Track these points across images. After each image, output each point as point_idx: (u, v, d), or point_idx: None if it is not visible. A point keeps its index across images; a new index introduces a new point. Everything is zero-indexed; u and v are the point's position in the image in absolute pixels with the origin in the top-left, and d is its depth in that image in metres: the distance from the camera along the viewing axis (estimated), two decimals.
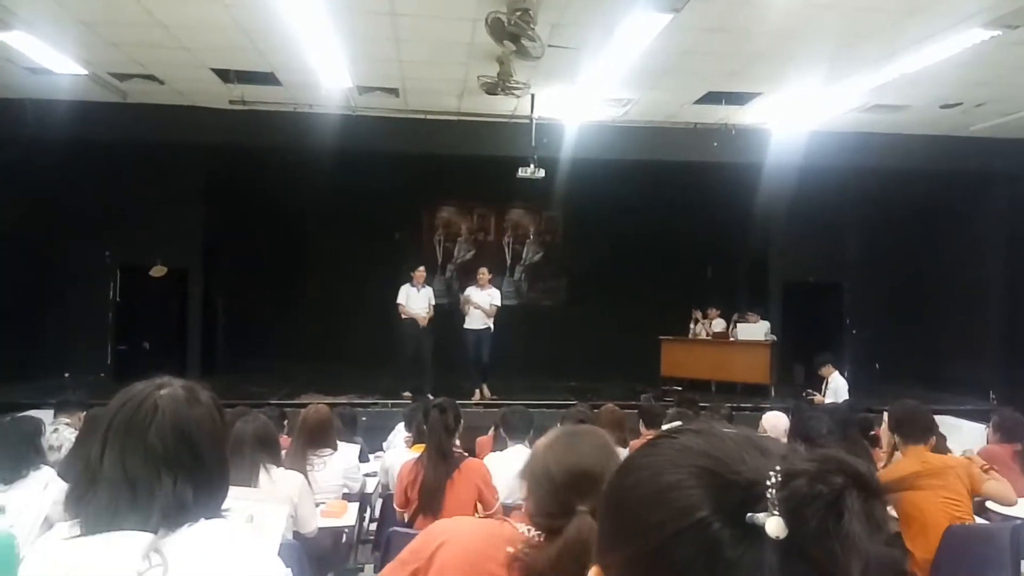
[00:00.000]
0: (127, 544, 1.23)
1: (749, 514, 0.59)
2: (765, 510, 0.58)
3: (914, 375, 11.00)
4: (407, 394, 9.03)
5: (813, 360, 9.09)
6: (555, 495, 1.52)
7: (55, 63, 7.29)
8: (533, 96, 8.26)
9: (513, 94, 7.50)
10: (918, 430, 4.00)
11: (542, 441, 1.67)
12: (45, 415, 5.31)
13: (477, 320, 9.53)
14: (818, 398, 8.37)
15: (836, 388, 8.26)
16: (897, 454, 4.46)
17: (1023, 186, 10.16)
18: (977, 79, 7.52)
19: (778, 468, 0.60)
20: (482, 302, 9.55)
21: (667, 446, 0.67)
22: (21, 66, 7.54)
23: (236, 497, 1.62)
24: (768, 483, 0.59)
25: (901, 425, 4.04)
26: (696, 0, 5.37)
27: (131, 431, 1.38)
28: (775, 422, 5.29)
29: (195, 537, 1.28)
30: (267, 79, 8.02)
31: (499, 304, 9.69)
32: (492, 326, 9.59)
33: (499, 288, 10.31)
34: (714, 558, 0.59)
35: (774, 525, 0.57)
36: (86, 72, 7.69)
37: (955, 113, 8.87)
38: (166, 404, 1.41)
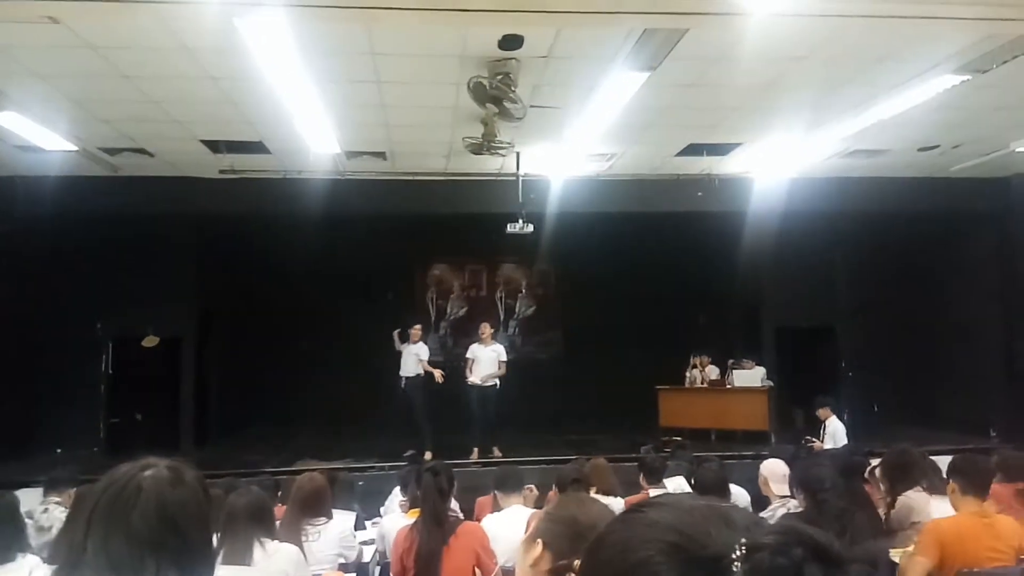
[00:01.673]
0: None
1: None
2: None
3: (913, 416, 10.96)
4: (409, 452, 8.94)
5: (811, 404, 9.06)
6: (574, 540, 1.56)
7: (45, 140, 7.40)
8: (518, 154, 8.40)
9: (498, 153, 7.63)
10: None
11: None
12: (37, 493, 5.23)
13: (483, 376, 9.46)
14: (817, 444, 8.30)
15: (834, 432, 8.21)
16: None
17: (1010, 224, 10.29)
18: (952, 122, 7.69)
19: (743, 541, 0.63)
20: (490, 360, 9.51)
21: (636, 522, 0.69)
22: (11, 144, 7.65)
23: None
24: (733, 556, 0.61)
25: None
26: (671, 59, 5.52)
27: (114, 514, 1.37)
28: (774, 468, 5.24)
29: None
30: (256, 148, 8.15)
31: (505, 359, 9.66)
32: (499, 383, 9.55)
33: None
34: None
35: None
36: (76, 148, 7.81)
37: (933, 155, 9.05)
38: (150, 486, 1.40)
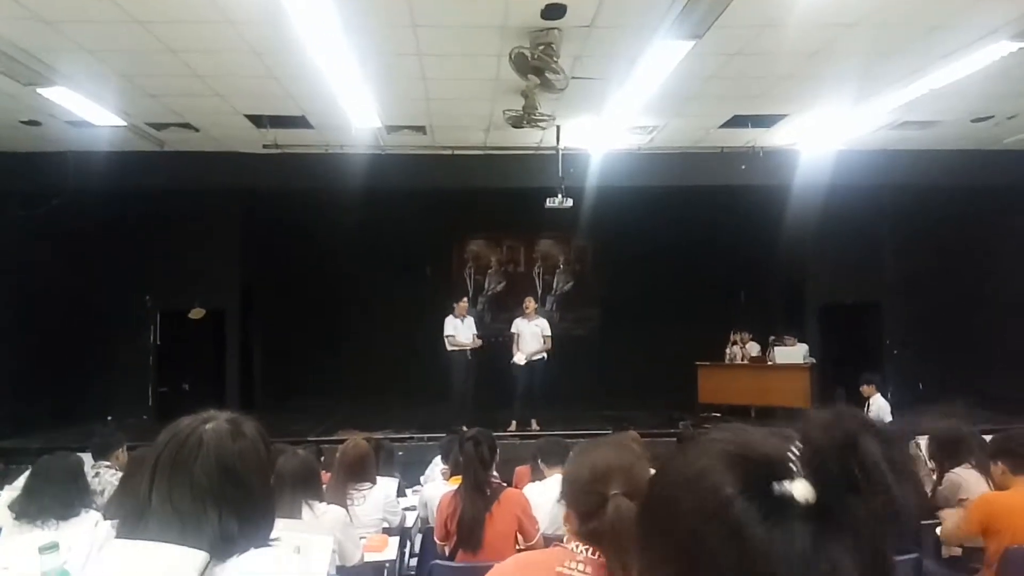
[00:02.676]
0: (183, 554, 1.26)
1: (775, 484, 0.62)
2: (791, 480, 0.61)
3: (959, 394, 10.66)
4: (463, 428, 9.07)
5: (855, 382, 8.92)
6: (586, 494, 1.61)
7: (95, 115, 7.56)
8: (559, 127, 8.34)
9: (539, 126, 7.58)
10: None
11: (569, 459, 1.77)
12: (85, 459, 5.42)
13: (529, 351, 9.52)
14: None
15: (878, 410, 8.09)
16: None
17: None
18: (1007, 91, 7.43)
19: (798, 443, 0.65)
20: (534, 335, 9.57)
21: (696, 443, 0.73)
22: (62, 120, 7.84)
23: (282, 529, 1.64)
24: (791, 456, 0.64)
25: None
26: (717, 27, 5.40)
27: (177, 466, 1.41)
28: None
29: (244, 566, 1.30)
30: (299, 123, 8.23)
31: (550, 334, 9.72)
32: (546, 356, 9.60)
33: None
34: (743, 540, 0.61)
35: (800, 488, 0.60)
36: (124, 123, 7.96)
37: (987, 126, 8.75)
38: (210, 439, 1.44)
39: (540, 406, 9.72)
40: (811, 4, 5.01)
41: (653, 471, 0.78)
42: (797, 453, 0.63)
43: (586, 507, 1.59)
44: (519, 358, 9.53)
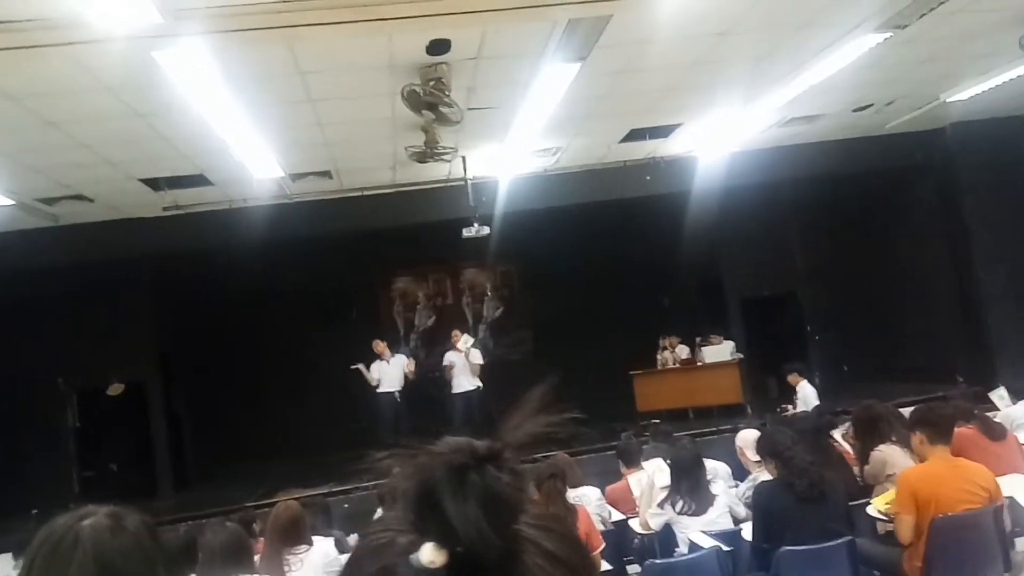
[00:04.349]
0: None
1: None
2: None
3: (881, 371, 11.17)
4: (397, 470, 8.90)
5: (783, 372, 9.19)
6: None
7: None
8: (464, 158, 8.38)
9: (443, 159, 7.61)
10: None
11: None
12: (6, 560, 5.09)
13: (465, 383, 9.53)
14: (790, 411, 8.42)
15: (805, 396, 8.35)
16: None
17: (950, 172, 10.52)
18: (881, 79, 7.84)
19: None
20: (466, 365, 9.59)
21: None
22: None
23: None
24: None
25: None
26: (599, 47, 5.55)
27: (51, 570, 1.33)
28: (747, 437, 5.32)
29: None
30: (198, 181, 8.03)
31: (480, 361, 9.83)
32: (481, 384, 9.61)
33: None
34: None
35: (428, 554, 0.54)
36: (12, 202, 7.61)
37: (868, 115, 9.22)
38: (87, 536, 1.37)
39: (485, 435, 9.64)
40: (679, 18, 5.20)
41: None
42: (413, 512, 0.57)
43: None
44: (456, 390, 9.54)
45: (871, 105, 8.86)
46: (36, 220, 8.47)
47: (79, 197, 8.09)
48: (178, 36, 4.25)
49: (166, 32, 4.18)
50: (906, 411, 5.18)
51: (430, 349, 13.34)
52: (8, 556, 5.04)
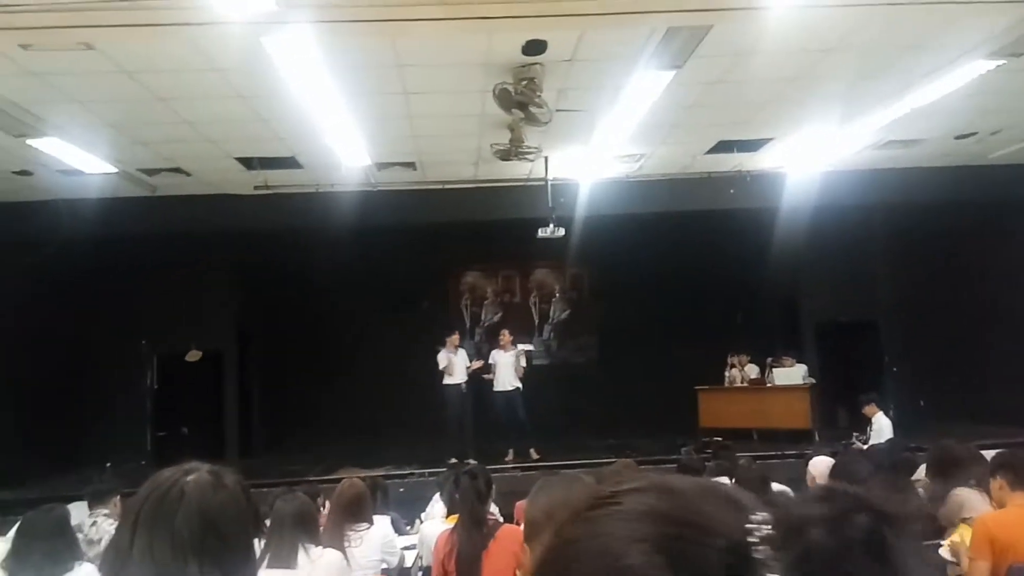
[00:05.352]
0: None
1: None
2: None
3: (961, 411, 10.67)
4: (453, 460, 9.01)
5: (855, 401, 8.90)
6: (540, 539, 1.56)
7: (86, 164, 7.62)
8: (547, 158, 8.41)
9: (526, 159, 7.66)
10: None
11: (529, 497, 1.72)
12: (82, 507, 5.37)
13: (504, 382, 9.63)
14: (856, 445, 8.13)
15: (880, 428, 8.06)
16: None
17: None
18: (989, 107, 7.52)
19: (760, 520, 0.49)
20: (509, 365, 9.67)
21: (610, 518, 0.53)
22: (53, 169, 7.89)
23: None
24: (752, 540, 0.48)
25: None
26: (696, 56, 5.49)
27: (158, 519, 1.40)
28: (822, 468, 5.17)
29: None
30: (289, 163, 8.29)
31: (524, 364, 9.90)
32: (521, 386, 9.65)
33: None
34: None
35: None
36: (116, 170, 8.02)
37: (970, 143, 8.84)
38: (192, 491, 1.43)
39: (536, 436, 9.70)
40: (787, 32, 5.10)
41: (551, 537, 0.58)
42: (764, 534, 0.48)
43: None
44: (496, 387, 9.77)
45: (975, 133, 8.49)
46: (135, 189, 8.90)
47: (177, 170, 8.47)
48: (288, 23, 4.42)
49: (278, 19, 4.35)
50: (986, 454, 4.97)
51: (494, 344, 13.45)
52: (83, 504, 5.30)
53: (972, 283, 11.26)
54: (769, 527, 0.50)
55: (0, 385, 9.33)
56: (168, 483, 1.44)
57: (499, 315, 14.19)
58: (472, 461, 8.88)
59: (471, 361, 10.05)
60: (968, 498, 4.50)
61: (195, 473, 1.46)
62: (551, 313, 14.43)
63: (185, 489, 1.42)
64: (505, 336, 10.02)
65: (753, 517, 0.50)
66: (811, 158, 8.90)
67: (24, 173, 8.17)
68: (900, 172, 9.73)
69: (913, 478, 5.40)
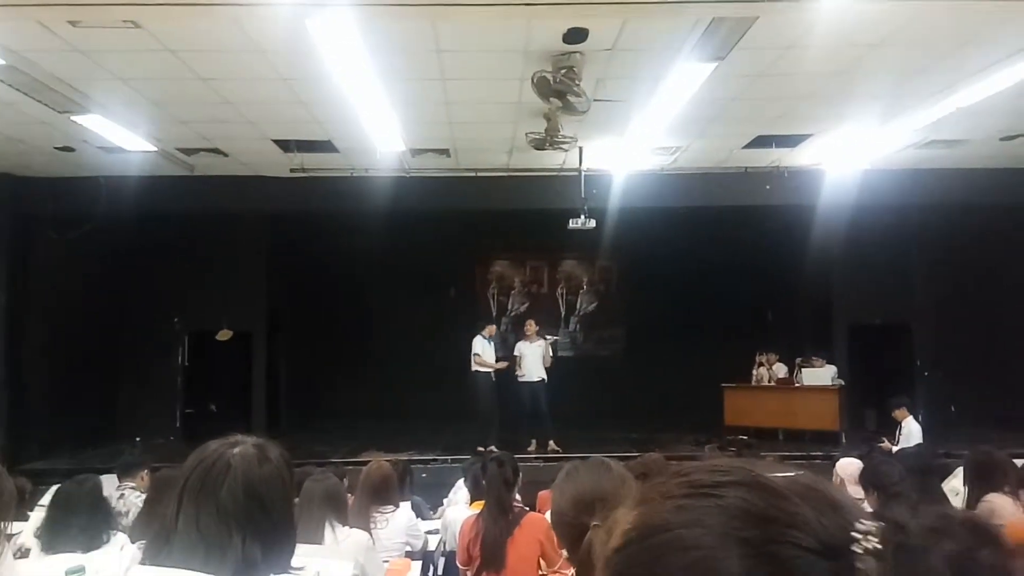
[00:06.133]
0: None
1: None
2: None
3: (992, 418, 10.47)
4: (481, 448, 9.03)
5: (885, 405, 8.77)
6: (569, 526, 1.57)
7: (127, 141, 7.73)
8: (581, 149, 8.36)
9: (561, 148, 7.61)
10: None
11: (554, 484, 1.73)
12: (111, 479, 5.47)
13: (532, 373, 9.61)
14: (886, 444, 8.02)
15: (910, 433, 7.93)
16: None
17: None
18: None
19: (866, 529, 0.48)
20: (535, 356, 9.65)
21: (704, 511, 0.52)
22: (95, 146, 8.02)
23: (302, 554, 1.64)
24: (856, 547, 0.47)
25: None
26: (739, 48, 5.41)
27: (204, 490, 1.42)
28: (851, 470, 5.10)
29: None
30: (325, 147, 8.34)
31: (551, 355, 9.87)
32: (546, 377, 9.65)
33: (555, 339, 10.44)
34: None
35: None
36: (155, 149, 8.13)
37: (1016, 145, 8.62)
38: (238, 463, 1.45)
39: (559, 427, 9.69)
40: (835, 25, 4.99)
41: (636, 516, 0.58)
42: (871, 545, 0.47)
43: (570, 538, 1.55)
44: (521, 377, 9.73)
45: (1021, 135, 8.28)
46: (173, 168, 9.02)
47: (215, 151, 8.56)
48: (331, 5, 4.42)
49: (322, 1, 4.36)
50: (1018, 462, 4.89)
51: (519, 335, 13.46)
52: (113, 477, 5.40)
53: (1008, 289, 11.03)
54: (876, 539, 0.49)
55: (36, 357, 9.54)
56: (215, 455, 1.46)
57: (526, 305, 14.20)
58: (495, 449, 8.92)
59: (496, 359, 10.01)
60: (1001, 505, 4.43)
61: (241, 446, 1.47)
62: (578, 305, 14.41)
63: (232, 462, 1.44)
64: (531, 326, 10.00)
65: (858, 525, 0.49)
66: (850, 156, 8.74)
67: (67, 149, 8.31)
68: (941, 173, 9.53)
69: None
